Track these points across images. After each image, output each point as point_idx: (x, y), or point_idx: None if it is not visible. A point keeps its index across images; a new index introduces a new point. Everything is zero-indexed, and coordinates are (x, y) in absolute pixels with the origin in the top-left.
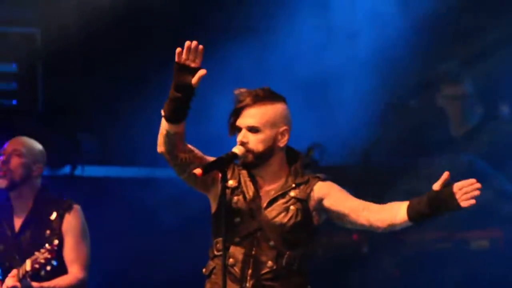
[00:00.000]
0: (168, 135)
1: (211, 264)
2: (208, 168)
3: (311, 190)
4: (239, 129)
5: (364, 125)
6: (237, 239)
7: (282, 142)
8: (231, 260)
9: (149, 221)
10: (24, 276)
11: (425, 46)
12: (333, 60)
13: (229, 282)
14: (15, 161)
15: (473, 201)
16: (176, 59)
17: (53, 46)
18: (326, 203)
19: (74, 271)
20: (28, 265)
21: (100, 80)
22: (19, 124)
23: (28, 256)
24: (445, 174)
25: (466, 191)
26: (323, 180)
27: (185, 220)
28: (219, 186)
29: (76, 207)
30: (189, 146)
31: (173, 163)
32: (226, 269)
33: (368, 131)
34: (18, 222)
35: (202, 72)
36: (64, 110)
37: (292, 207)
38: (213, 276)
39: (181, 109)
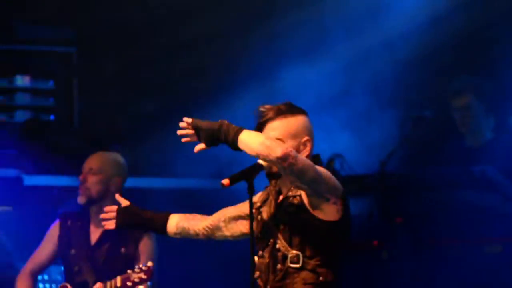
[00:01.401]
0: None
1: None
2: (235, 178)
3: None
4: None
5: (383, 136)
6: (260, 252)
7: (305, 152)
8: (257, 273)
9: None
10: None
11: (441, 60)
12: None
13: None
14: (91, 179)
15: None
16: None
17: (88, 64)
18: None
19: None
20: (118, 281)
21: (131, 96)
22: (56, 138)
23: (100, 269)
24: None
25: None
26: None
27: None
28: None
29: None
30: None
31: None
32: (254, 284)
33: (387, 142)
34: (95, 234)
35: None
36: (98, 125)
37: (295, 200)
38: None
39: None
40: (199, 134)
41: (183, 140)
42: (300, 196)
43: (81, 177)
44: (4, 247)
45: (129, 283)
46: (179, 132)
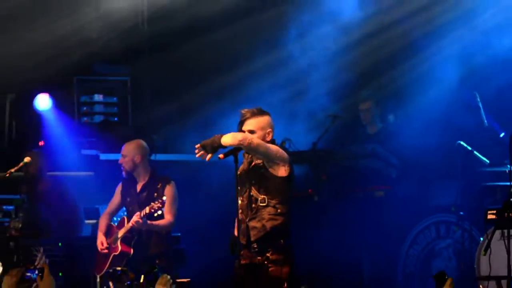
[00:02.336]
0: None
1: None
2: (227, 153)
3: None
4: (243, 132)
5: (314, 128)
6: (242, 195)
7: (269, 138)
8: (240, 210)
9: (195, 185)
10: (144, 216)
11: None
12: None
13: (242, 223)
14: (123, 161)
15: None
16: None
17: (136, 88)
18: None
19: (168, 218)
20: (147, 209)
21: (163, 105)
22: (119, 132)
23: (143, 206)
24: None
25: None
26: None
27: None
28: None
29: (173, 182)
30: None
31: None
32: (237, 213)
33: (317, 131)
34: (139, 187)
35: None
36: (142, 123)
37: (260, 164)
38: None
39: None
40: (206, 149)
41: (198, 156)
42: (263, 163)
43: (119, 161)
44: (75, 203)
45: (152, 210)
46: (197, 155)
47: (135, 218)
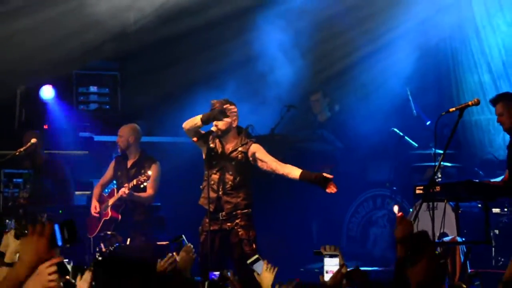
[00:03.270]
0: (196, 126)
1: (204, 184)
2: (200, 137)
3: (249, 147)
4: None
5: (273, 115)
6: (214, 171)
7: (234, 124)
8: (212, 182)
9: (175, 162)
10: (131, 187)
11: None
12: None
13: (211, 192)
14: (118, 140)
15: (334, 191)
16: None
17: (125, 80)
18: (258, 155)
19: (150, 192)
20: (134, 181)
21: (147, 95)
22: (110, 116)
23: (131, 180)
24: (329, 176)
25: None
26: (254, 142)
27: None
28: (205, 146)
29: (158, 162)
30: None
31: (188, 135)
32: (209, 186)
33: (275, 118)
34: (129, 163)
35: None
36: (130, 111)
37: (239, 155)
38: (204, 190)
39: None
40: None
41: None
42: (243, 154)
43: (116, 140)
44: (67, 177)
45: (139, 182)
46: None
47: (124, 189)
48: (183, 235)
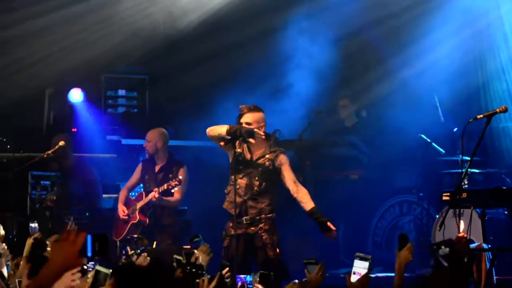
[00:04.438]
0: (220, 136)
1: (228, 188)
2: (227, 141)
3: (277, 155)
4: (240, 124)
5: (301, 120)
6: (241, 176)
7: (262, 129)
8: (238, 186)
9: (201, 166)
10: (161, 191)
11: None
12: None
13: (237, 197)
14: (147, 145)
15: (330, 238)
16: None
17: (153, 84)
18: (282, 168)
19: (177, 196)
20: (165, 186)
21: (176, 100)
22: (137, 120)
23: (160, 184)
24: (332, 227)
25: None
26: (283, 153)
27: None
28: (232, 151)
29: (185, 166)
30: None
31: (212, 141)
32: (235, 191)
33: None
34: (157, 168)
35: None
36: (158, 114)
37: (267, 162)
38: (229, 195)
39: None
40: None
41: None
42: (271, 161)
43: (144, 144)
44: (96, 179)
45: (169, 187)
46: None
47: (154, 193)
48: (199, 235)
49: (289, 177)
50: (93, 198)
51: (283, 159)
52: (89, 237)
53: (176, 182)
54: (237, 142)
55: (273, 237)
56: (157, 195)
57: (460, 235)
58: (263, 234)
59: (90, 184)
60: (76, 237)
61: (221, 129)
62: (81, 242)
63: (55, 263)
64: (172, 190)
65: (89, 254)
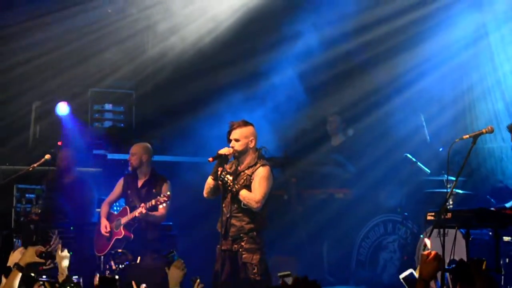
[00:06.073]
0: (212, 186)
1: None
2: (214, 157)
3: (256, 169)
4: (230, 141)
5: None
6: (226, 194)
7: (252, 145)
8: (223, 204)
9: (185, 182)
10: (149, 207)
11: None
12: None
13: (223, 215)
14: (132, 158)
15: None
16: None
17: (139, 99)
18: (253, 180)
19: (162, 211)
20: (153, 202)
21: (162, 115)
22: (123, 135)
23: (143, 199)
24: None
25: None
26: (263, 165)
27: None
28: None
29: (168, 181)
30: None
31: (214, 196)
32: (222, 211)
33: (288, 141)
34: (140, 183)
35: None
36: (143, 129)
37: (244, 177)
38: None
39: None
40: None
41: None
42: (248, 176)
43: (128, 158)
44: (93, 194)
45: (158, 202)
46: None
47: (141, 208)
48: (174, 251)
49: (253, 189)
50: (88, 212)
51: (258, 171)
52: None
53: (165, 198)
54: (226, 166)
55: (253, 256)
56: (144, 211)
57: (426, 252)
58: (243, 253)
59: (86, 199)
60: None
61: (208, 183)
62: None
63: None
64: (161, 206)
65: None
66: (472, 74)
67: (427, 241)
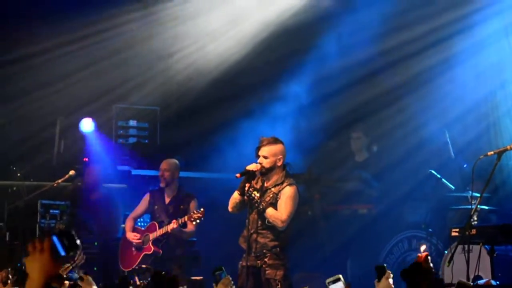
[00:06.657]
0: (237, 201)
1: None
2: (242, 173)
3: (283, 188)
4: (259, 156)
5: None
6: (251, 210)
7: (279, 163)
8: (248, 220)
9: (209, 198)
10: (181, 223)
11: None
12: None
13: (246, 231)
14: (165, 174)
15: None
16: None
17: (164, 116)
18: (279, 200)
19: (191, 227)
20: (185, 218)
21: (186, 131)
22: (148, 151)
23: (171, 216)
24: None
25: None
26: (290, 185)
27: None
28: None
29: (196, 198)
30: None
31: (240, 211)
32: (247, 227)
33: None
34: (167, 199)
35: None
36: (168, 145)
37: (270, 195)
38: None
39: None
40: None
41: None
42: (275, 195)
43: (160, 173)
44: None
45: (191, 219)
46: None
47: (173, 224)
48: (222, 267)
49: (279, 209)
50: (114, 228)
51: (285, 191)
52: (54, 238)
53: (200, 215)
54: (253, 181)
55: (277, 272)
56: (175, 226)
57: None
58: (267, 269)
59: (113, 214)
60: (42, 244)
61: (233, 197)
62: (48, 246)
63: (34, 276)
64: (194, 223)
65: (62, 253)
66: (496, 88)
67: (422, 247)
